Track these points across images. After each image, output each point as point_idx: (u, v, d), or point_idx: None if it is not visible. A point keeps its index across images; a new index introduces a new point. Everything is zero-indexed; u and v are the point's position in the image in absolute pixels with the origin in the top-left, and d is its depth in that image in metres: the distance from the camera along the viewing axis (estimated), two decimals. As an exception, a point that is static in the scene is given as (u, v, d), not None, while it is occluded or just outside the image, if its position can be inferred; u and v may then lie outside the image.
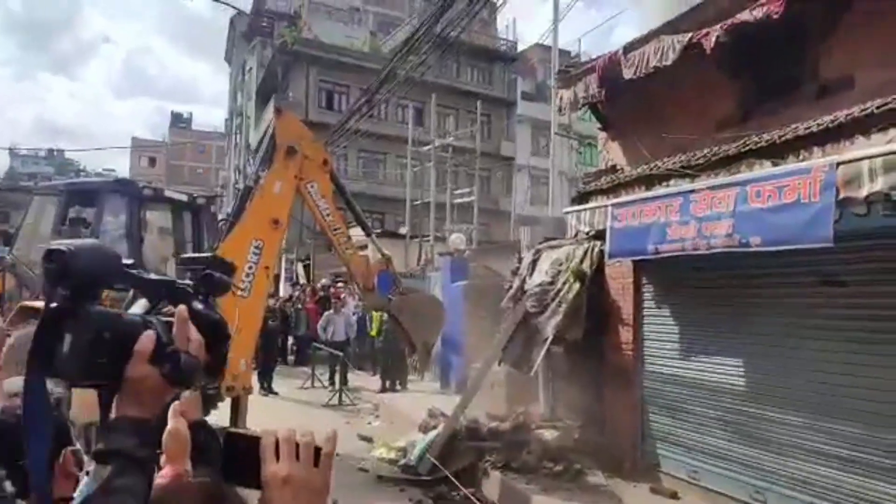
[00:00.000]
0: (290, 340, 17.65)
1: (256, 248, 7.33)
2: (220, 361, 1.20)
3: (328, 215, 7.99)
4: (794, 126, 4.97)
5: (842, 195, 4.22)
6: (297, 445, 0.95)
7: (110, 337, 0.95)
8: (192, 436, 1.67)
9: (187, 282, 1.16)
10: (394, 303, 8.37)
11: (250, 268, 7.29)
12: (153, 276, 1.11)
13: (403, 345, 13.50)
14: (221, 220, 9.21)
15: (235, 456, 0.98)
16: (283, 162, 7.61)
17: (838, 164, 4.26)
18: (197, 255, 1.57)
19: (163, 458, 1.57)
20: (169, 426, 1.43)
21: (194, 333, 1.05)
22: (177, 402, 1.64)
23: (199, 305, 1.12)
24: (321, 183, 7.89)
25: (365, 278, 8.25)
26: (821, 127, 4.65)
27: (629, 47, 6.70)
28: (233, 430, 1.03)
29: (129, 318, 1.01)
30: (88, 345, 0.94)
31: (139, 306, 1.08)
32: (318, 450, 0.96)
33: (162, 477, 1.50)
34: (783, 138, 4.97)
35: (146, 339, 0.97)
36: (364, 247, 10.08)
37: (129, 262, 1.07)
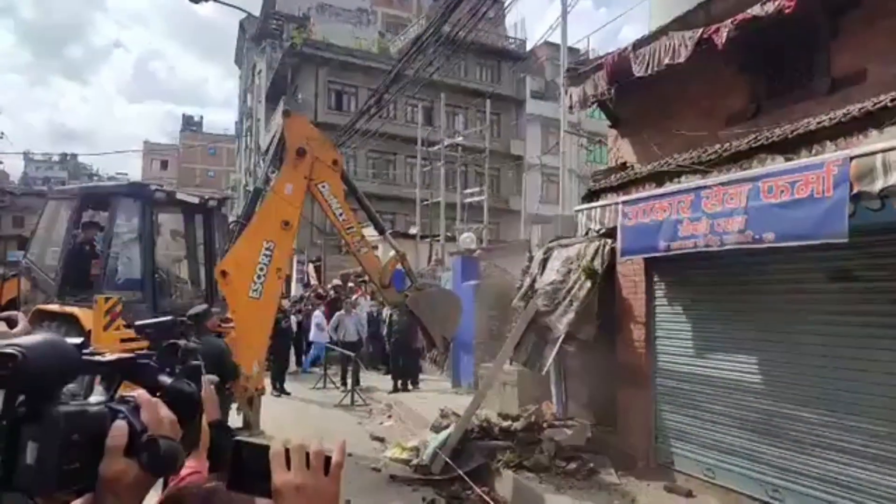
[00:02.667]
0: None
1: (268, 249, 7.37)
2: (197, 435, 1.13)
3: (341, 215, 8.02)
4: (805, 121, 4.93)
5: (855, 190, 4.18)
6: (308, 454, 0.95)
7: (80, 438, 0.85)
8: (209, 434, 1.69)
9: (148, 354, 1.08)
10: (410, 298, 8.37)
11: (262, 269, 7.33)
12: (110, 356, 1.01)
13: (415, 344, 13.59)
14: (233, 221, 9.27)
15: (243, 464, 0.97)
16: (293, 164, 7.64)
17: (851, 158, 4.21)
18: (155, 320, 1.46)
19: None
20: None
21: (165, 412, 0.97)
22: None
23: (166, 380, 1.05)
24: (332, 183, 7.91)
25: (381, 275, 8.27)
26: (833, 121, 4.61)
27: (638, 44, 6.67)
28: (241, 438, 1.01)
29: (96, 411, 0.91)
30: (58, 452, 0.83)
31: (98, 392, 0.98)
32: (328, 458, 0.96)
33: (185, 468, 1.52)
34: (795, 133, 4.93)
35: (118, 432, 0.89)
36: (375, 246, 10.10)
37: (79, 341, 0.96)
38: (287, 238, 7.69)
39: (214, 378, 1.90)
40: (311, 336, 15.52)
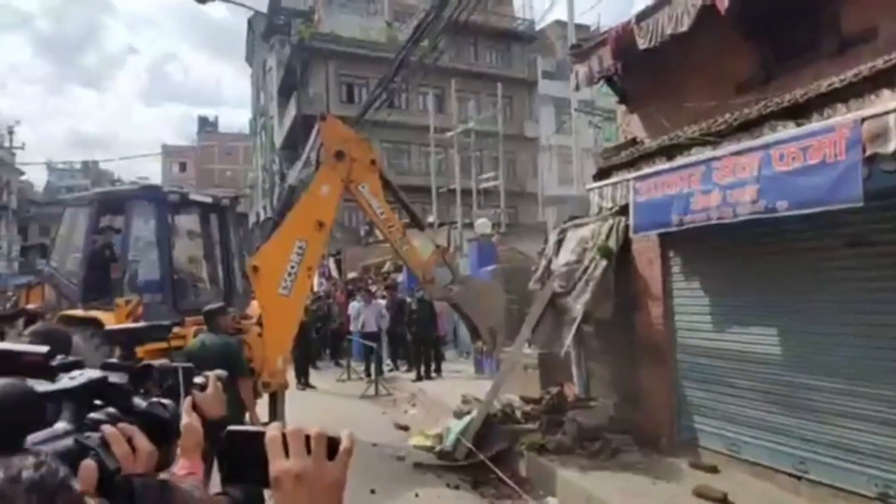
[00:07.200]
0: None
1: (300, 248, 7.41)
2: (170, 456, 1.08)
3: (381, 213, 8.05)
4: (816, 84, 4.80)
5: (868, 152, 4.07)
6: (308, 438, 0.89)
7: None
8: (216, 431, 1.69)
9: (121, 376, 1.02)
10: (455, 292, 8.39)
11: (293, 267, 7.37)
12: (82, 378, 0.94)
13: (436, 333, 13.61)
14: (266, 218, 9.35)
15: (238, 454, 0.92)
16: (331, 166, 7.67)
17: (863, 119, 4.10)
18: (126, 326, 1.40)
19: (178, 451, 1.59)
20: (183, 421, 1.44)
21: (141, 442, 0.92)
22: (190, 397, 1.66)
23: (140, 402, 1.01)
24: (371, 183, 7.95)
25: (424, 270, 8.29)
26: (844, 82, 4.47)
27: (642, 16, 6.54)
28: (234, 427, 0.96)
29: (63, 450, 0.83)
30: None
31: (66, 417, 0.90)
32: (332, 441, 0.90)
33: (180, 469, 1.53)
34: (805, 97, 4.80)
35: (86, 473, 0.82)
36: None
37: (45, 349, 0.90)
38: (320, 238, 7.72)
39: (223, 373, 1.88)
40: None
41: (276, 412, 8.67)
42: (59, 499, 0.63)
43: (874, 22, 5.01)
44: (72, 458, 0.83)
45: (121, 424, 0.94)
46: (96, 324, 7.64)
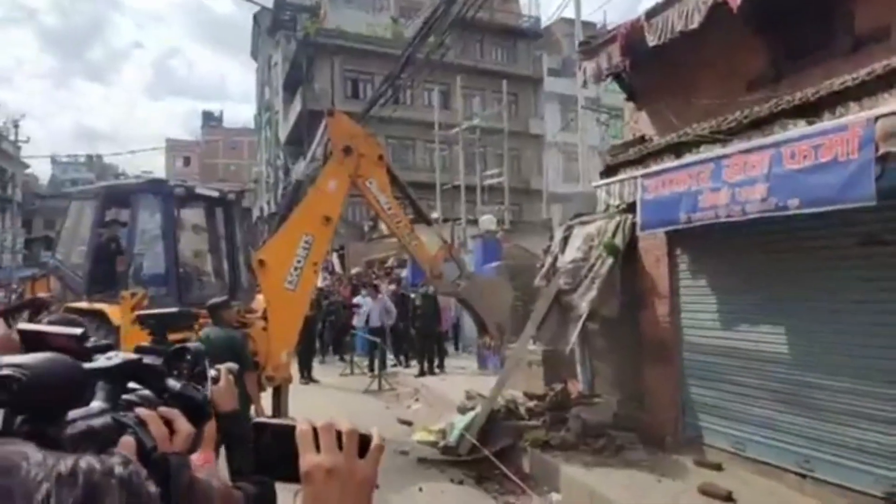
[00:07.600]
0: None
1: (306, 242, 7.41)
2: (200, 441, 1.10)
3: (389, 209, 8.05)
4: (828, 82, 4.77)
5: (882, 150, 4.05)
6: (339, 434, 0.87)
7: None
8: (227, 425, 1.69)
9: (155, 359, 1.05)
10: (463, 288, 8.39)
11: (299, 262, 7.38)
12: (118, 358, 0.96)
13: (439, 328, 13.60)
14: (271, 213, 9.35)
15: (266, 448, 0.91)
16: (338, 161, 7.66)
17: (876, 118, 4.08)
18: (157, 311, 1.44)
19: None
20: None
21: (182, 424, 0.95)
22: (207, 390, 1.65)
23: (174, 384, 1.03)
24: (379, 178, 7.94)
25: (432, 265, 8.29)
26: (856, 81, 4.45)
27: (651, 13, 6.51)
28: (262, 419, 0.95)
29: (102, 425, 0.85)
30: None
31: (100, 397, 0.92)
32: (363, 438, 0.89)
33: (196, 460, 1.53)
34: (817, 95, 4.78)
35: (125, 449, 0.83)
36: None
37: (79, 332, 0.92)
38: (326, 233, 7.73)
39: (234, 366, 1.88)
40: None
41: (279, 406, 8.68)
42: (143, 495, 0.64)
43: (888, 21, 4.98)
44: (109, 434, 0.85)
45: (162, 408, 0.95)
46: (101, 316, 7.66)
